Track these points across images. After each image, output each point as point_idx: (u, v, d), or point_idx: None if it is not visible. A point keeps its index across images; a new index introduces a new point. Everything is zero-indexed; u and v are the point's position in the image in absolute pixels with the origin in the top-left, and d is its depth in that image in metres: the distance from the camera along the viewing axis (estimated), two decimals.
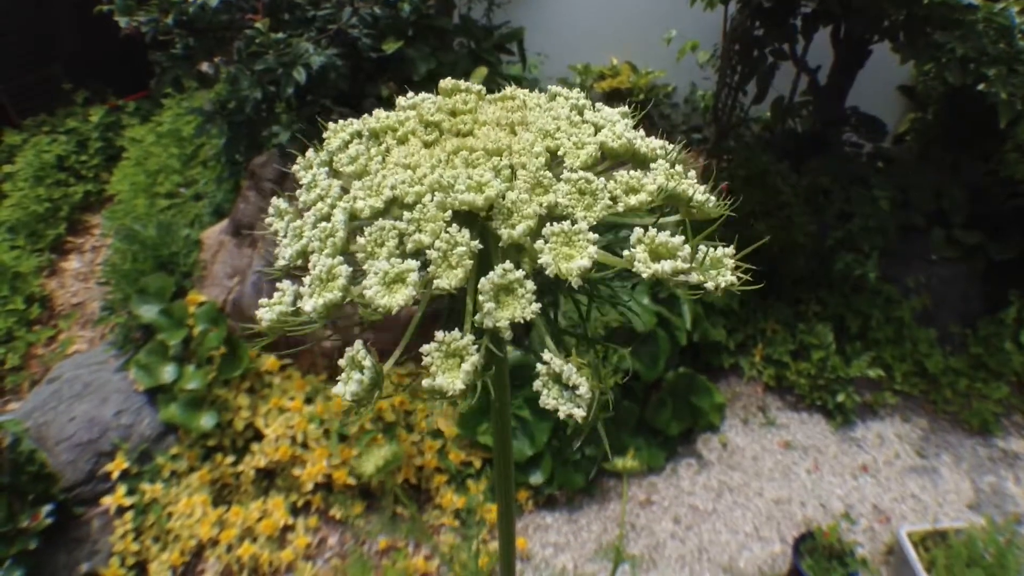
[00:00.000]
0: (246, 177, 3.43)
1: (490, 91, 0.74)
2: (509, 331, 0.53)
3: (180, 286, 3.24)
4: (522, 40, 4.16)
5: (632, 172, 0.62)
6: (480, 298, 0.53)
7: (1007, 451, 3.42)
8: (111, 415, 2.95)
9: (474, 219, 0.59)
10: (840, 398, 3.45)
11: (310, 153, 0.65)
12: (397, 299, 0.53)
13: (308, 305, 0.56)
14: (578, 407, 0.54)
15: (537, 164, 0.60)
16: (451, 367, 0.54)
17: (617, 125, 0.67)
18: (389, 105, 2.58)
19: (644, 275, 0.56)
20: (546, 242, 0.56)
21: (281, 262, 0.58)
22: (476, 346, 0.53)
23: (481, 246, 0.56)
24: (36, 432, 2.86)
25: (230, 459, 2.95)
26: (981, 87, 3.00)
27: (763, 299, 3.89)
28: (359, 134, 0.67)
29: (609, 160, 0.67)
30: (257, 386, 3.09)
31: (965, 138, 4.17)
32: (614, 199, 0.60)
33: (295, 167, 0.65)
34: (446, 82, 0.71)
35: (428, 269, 0.55)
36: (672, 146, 0.66)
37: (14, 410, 3.11)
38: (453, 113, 0.67)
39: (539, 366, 0.56)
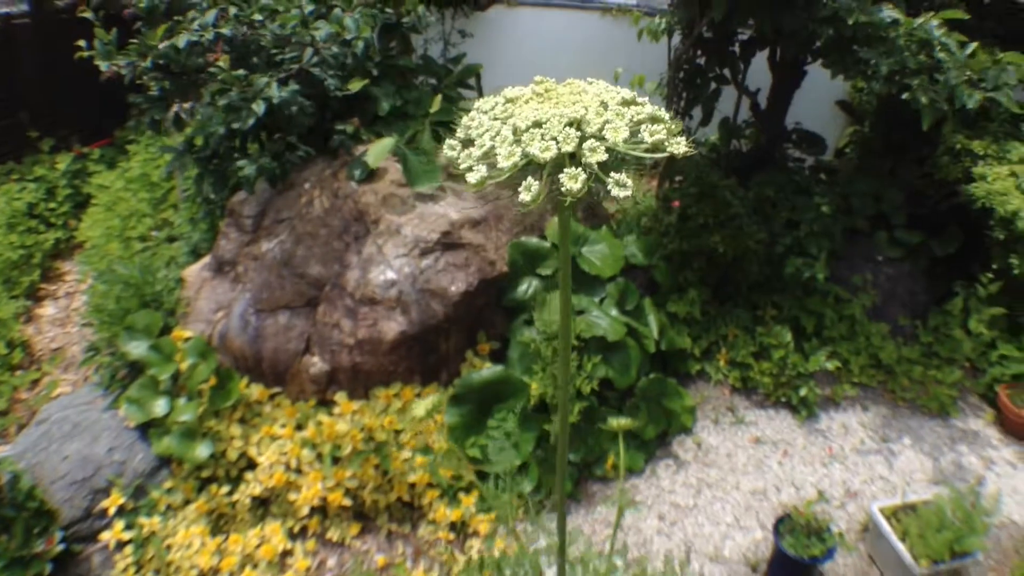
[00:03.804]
0: (225, 215, 3.53)
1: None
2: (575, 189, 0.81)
3: (164, 324, 3.31)
4: (479, 76, 4.37)
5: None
6: (563, 175, 0.81)
7: (966, 430, 3.69)
8: (104, 452, 3.00)
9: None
10: (803, 392, 3.66)
11: (473, 113, 0.95)
12: (514, 156, 0.83)
13: (504, 160, 0.84)
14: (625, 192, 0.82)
15: (589, 111, 0.89)
16: (531, 191, 0.82)
17: (643, 106, 0.95)
18: (356, 140, 2.75)
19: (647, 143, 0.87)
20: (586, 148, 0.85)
21: (475, 155, 0.88)
22: (538, 181, 0.82)
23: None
24: (30, 473, 2.88)
25: (225, 489, 3.01)
26: (905, 96, 3.28)
27: (722, 306, 4.11)
28: (505, 99, 0.97)
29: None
30: (248, 416, 3.16)
31: (899, 146, 4.49)
32: (638, 125, 0.89)
33: (466, 118, 0.95)
34: (539, 79, 1.00)
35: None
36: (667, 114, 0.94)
37: (3, 452, 3.13)
38: (545, 91, 0.97)
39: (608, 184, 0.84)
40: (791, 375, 3.72)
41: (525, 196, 0.82)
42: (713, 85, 4.53)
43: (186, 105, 3.29)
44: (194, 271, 3.52)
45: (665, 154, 0.87)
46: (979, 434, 3.67)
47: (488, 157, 0.87)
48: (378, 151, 3.35)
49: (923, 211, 4.33)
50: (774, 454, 3.48)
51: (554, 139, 0.84)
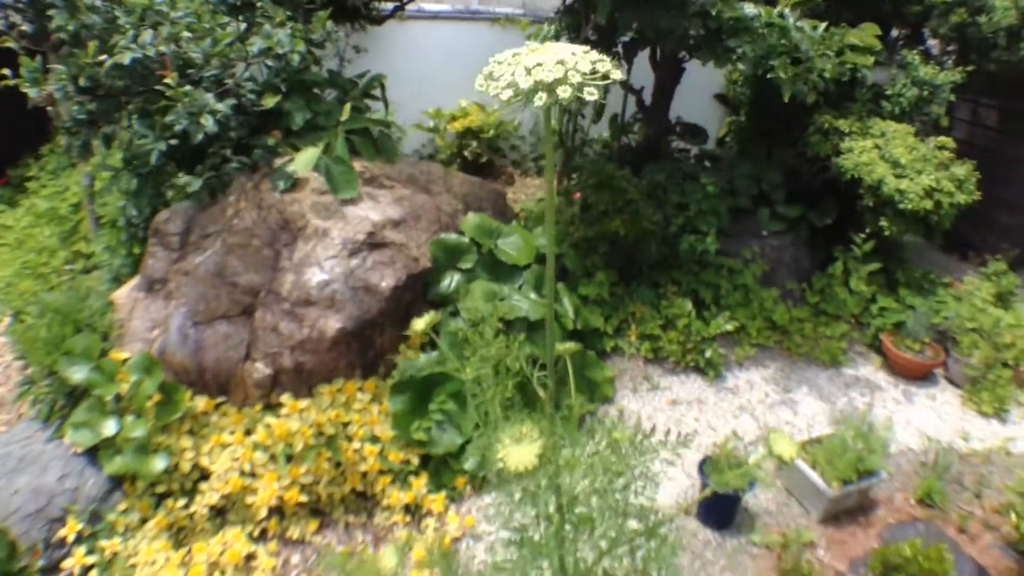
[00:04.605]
0: (150, 236, 3.59)
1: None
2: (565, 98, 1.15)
3: (100, 348, 3.34)
4: (384, 86, 4.57)
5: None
6: (558, 90, 1.14)
7: (858, 376, 4.19)
8: (54, 481, 3.00)
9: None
10: (708, 354, 4.04)
11: (492, 64, 1.26)
12: (528, 82, 1.15)
13: (523, 84, 1.16)
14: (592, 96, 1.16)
15: (566, 56, 1.20)
16: (540, 100, 1.14)
17: (593, 53, 1.28)
18: (274, 153, 2.93)
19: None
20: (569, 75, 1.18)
21: (501, 85, 1.19)
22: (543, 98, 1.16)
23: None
24: None
25: (181, 502, 3.05)
26: (770, 75, 3.73)
27: (628, 286, 4.47)
28: (512, 54, 1.28)
29: None
30: (196, 427, 3.24)
31: (773, 131, 4.98)
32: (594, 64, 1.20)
33: (488, 67, 1.25)
34: (528, 43, 1.30)
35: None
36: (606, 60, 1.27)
37: None
38: (535, 49, 1.27)
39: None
40: (696, 340, 4.09)
41: (538, 102, 1.18)
42: None
43: (104, 128, 3.35)
44: (123, 293, 3.56)
45: (610, 81, 1.23)
46: (870, 378, 4.17)
47: (509, 87, 1.23)
48: (305, 160, 3.50)
49: (800, 187, 4.83)
50: (690, 412, 3.83)
51: (550, 71, 1.20)
